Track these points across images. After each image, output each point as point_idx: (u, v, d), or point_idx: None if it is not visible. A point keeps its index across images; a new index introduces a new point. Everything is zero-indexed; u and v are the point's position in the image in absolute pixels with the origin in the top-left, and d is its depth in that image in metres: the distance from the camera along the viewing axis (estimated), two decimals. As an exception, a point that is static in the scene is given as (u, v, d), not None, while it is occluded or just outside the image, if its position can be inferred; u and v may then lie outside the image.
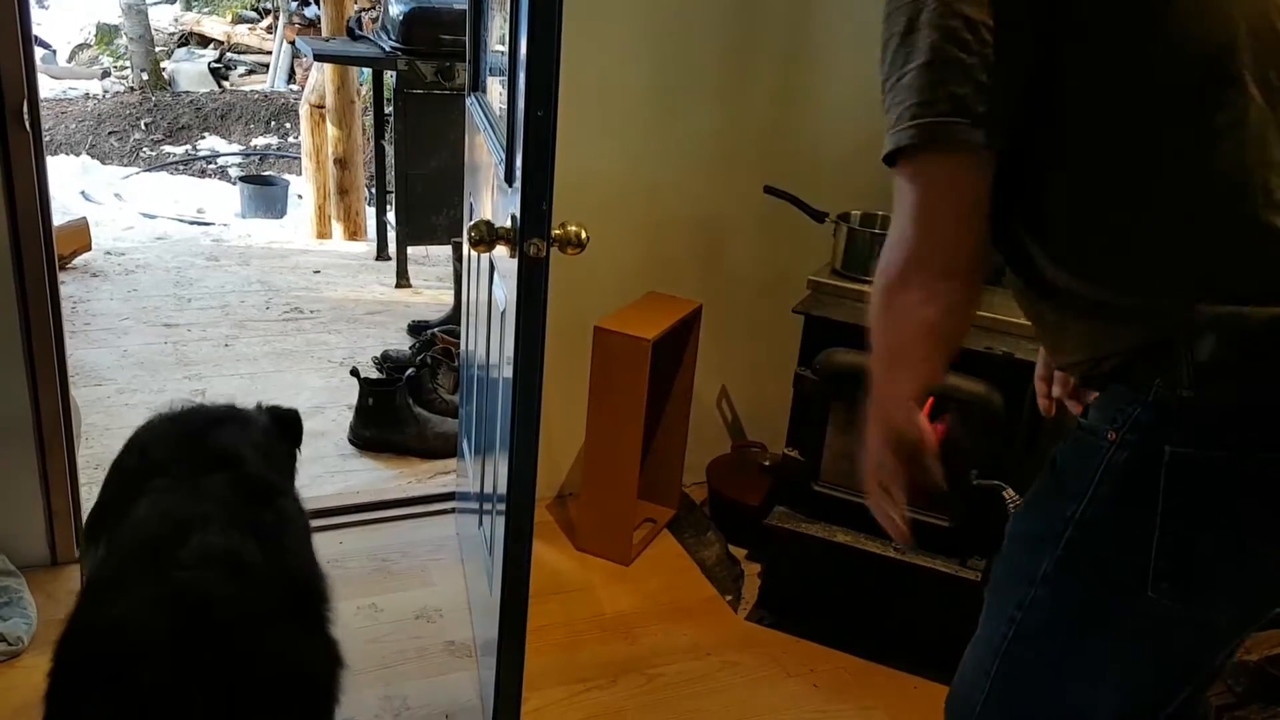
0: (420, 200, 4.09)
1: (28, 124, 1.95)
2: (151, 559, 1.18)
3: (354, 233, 4.78)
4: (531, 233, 1.57)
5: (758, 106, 2.59)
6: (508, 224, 1.65)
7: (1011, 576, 1.15)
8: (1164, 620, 1.05)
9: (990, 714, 1.18)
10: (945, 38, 0.94)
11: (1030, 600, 1.12)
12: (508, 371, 1.73)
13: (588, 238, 1.64)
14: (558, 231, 1.61)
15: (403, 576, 2.40)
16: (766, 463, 2.67)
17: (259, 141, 6.73)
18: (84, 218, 4.19)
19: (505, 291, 1.78)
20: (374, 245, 4.57)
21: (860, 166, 2.42)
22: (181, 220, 4.98)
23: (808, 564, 2.29)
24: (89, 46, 8.57)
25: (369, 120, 4.89)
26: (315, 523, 2.49)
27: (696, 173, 2.60)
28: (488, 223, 1.66)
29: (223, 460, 1.45)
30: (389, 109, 4.19)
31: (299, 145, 5.32)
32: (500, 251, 1.69)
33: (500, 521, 1.86)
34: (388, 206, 4.34)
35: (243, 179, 5.46)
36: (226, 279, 4.08)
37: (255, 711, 1.12)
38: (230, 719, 1.10)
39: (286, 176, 5.59)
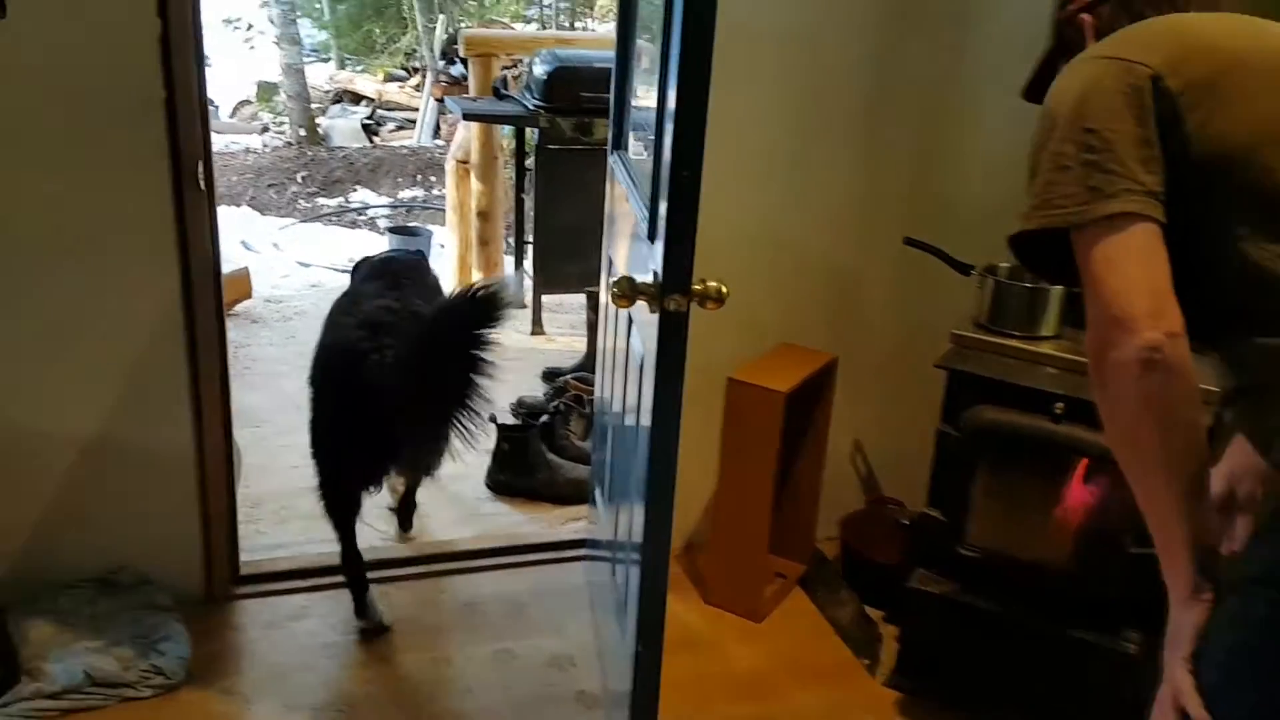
0: (556, 250, 4.18)
1: (202, 184, 2.09)
2: (350, 310, 2.34)
3: (492, 281, 4.92)
4: (673, 289, 1.59)
5: (897, 155, 2.56)
6: (649, 279, 1.67)
7: (1223, 623, 1.10)
8: None
9: None
10: (1077, 147, 1.15)
11: (1240, 645, 1.07)
12: (644, 421, 1.74)
13: (727, 293, 1.65)
14: (698, 287, 1.62)
15: (536, 622, 2.43)
16: (904, 520, 2.59)
17: (406, 194, 7.04)
18: (245, 267, 4.45)
19: (644, 344, 1.80)
20: (511, 293, 4.69)
21: (1007, 217, 2.35)
22: (334, 269, 5.23)
23: (950, 630, 2.20)
24: (250, 103, 9.17)
25: (510, 173, 5.05)
26: (454, 565, 2.60)
27: (833, 223, 2.58)
28: (629, 279, 1.68)
29: (394, 274, 2.56)
30: (529, 162, 4.31)
31: (443, 197, 5.53)
32: (641, 306, 1.72)
33: (635, 572, 1.86)
34: (525, 256, 4.46)
35: (390, 229, 5.70)
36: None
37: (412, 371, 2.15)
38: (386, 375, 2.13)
39: (430, 227, 5.82)
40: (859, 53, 2.45)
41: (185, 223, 2.12)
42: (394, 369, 2.13)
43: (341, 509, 2.29)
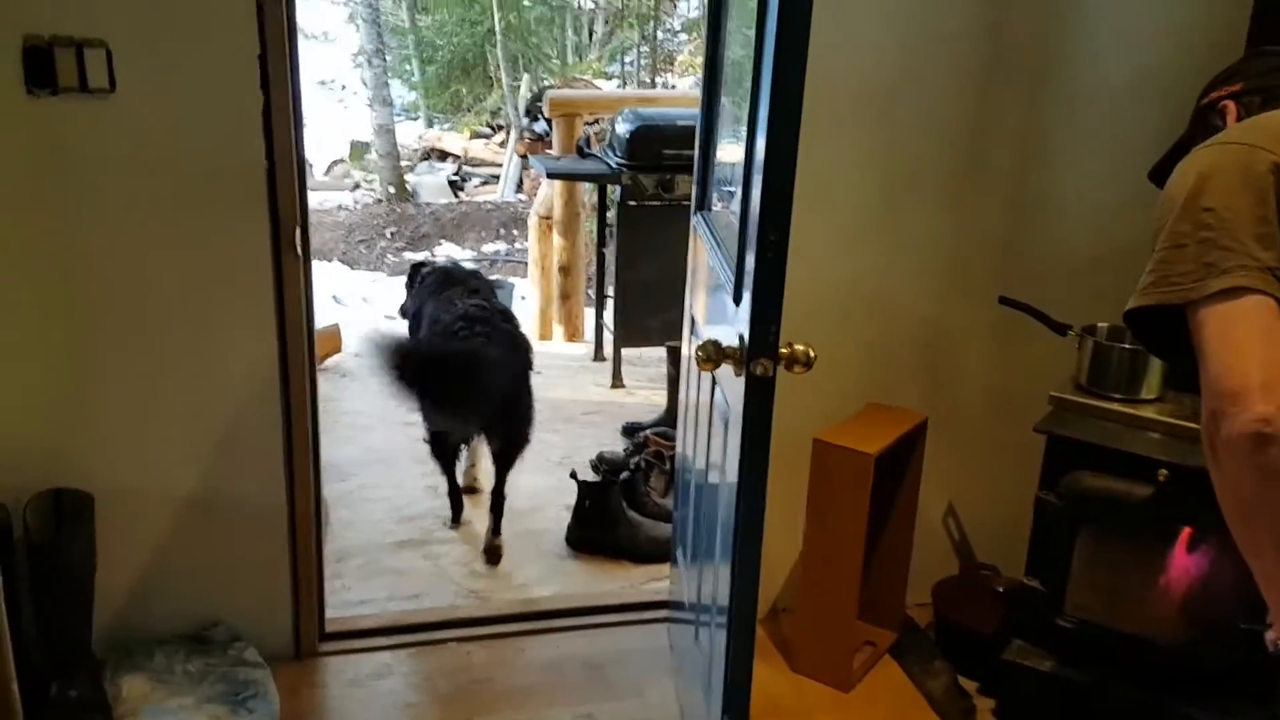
0: (636, 305, 4.21)
1: (299, 250, 2.15)
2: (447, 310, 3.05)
3: (573, 334, 4.97)
4: (759, 353, 1.57)
5: (989, 211, 2.51)
6: (734, 343, 1.65)
7: None
8: None
9: None
10: (1194, 225, 1.17)
11: None
12: (730, 481, 1.71)
13: (815, 357, 1.62)
14: (785, 351, 1.60)
15: (617, 686, 2.39)
16: (1000, 588, 2.49)
17: (489, 248, 7.19)
18: (336, 323, 4.56)
19: (729, 407, 1.78)
20: (591, 346, 4.72)
21: (1104, 275, 2.28)
22: (419, 322, 5.34)
23: (1049, 704, 2.10)
24: (343, 161, 9.51)
25: (591, 226, 5.12)
26: (533, 625, 2.59)
27: (922, 280, 2.53)
28: (715, 342, 1.67)
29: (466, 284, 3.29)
30: (610, 217, 4.37)
31: (525, 250, 5.63)
32: (726, 370, 1.70)
33: (720, 637, 1.82)
34: (605, 310, 4.49)
35: (472, 283, 5.79)
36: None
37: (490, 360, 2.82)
38: (478, 365, 2.78)
39: (512, 280, 5.91)
40: (948, 107, 2.42)
41: (282, 286, 2.18)
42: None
43: (442, 458, 3.14)
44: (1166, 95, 2.43)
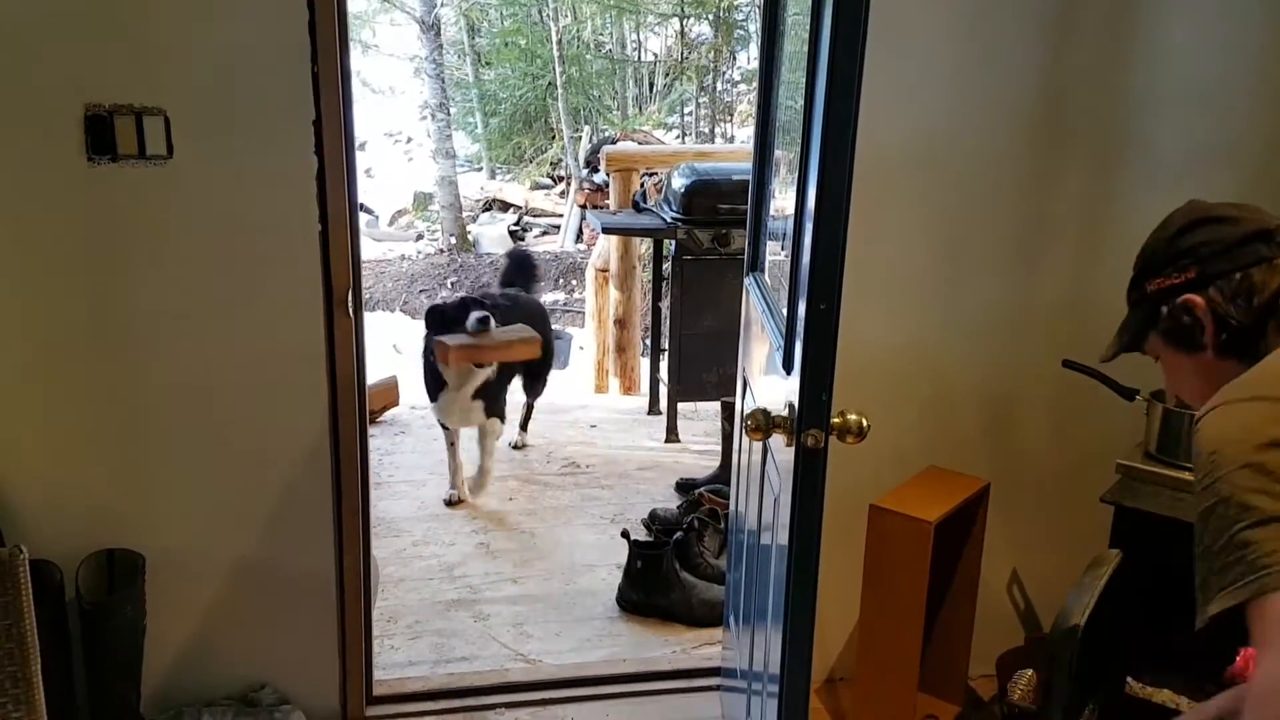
0: (692, 359, 4.18)
1: (350, 311, 2.16)
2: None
3: (629, 388, 4.94)
4: (810, 424, 1.53)
5: (1052, 273, 2.43)
6: (784, 412, 1.61)
7: None
8: None
9: None
10: (1275, 499, 1.03)
11: None
12: (780, 546, 1.66)
13: (869, 426, 1.57)
14: (837, 420, 1.55)
15: (667, 759, 2.32)
16: (1067, 662, 2.38)
17: (548, 298, 7.23)
18: (394, 376, 4.59)
19: (780, 476, 1.73)
20: (647, 400, 4.69)
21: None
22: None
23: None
24: (407, 212, 9.69)
25: (647, 276, 5.12)
26: (584, 691, 2.54)
27: (982, 341, 2.45)
28: (765, 411, 1.62)
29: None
30: (666, 270, 4.36)
31: (583, 300, 5.64)
32: (776, 439, 1.65)
33: (771, 708, 1.76)
34: (660, 364, 4.47)
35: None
36: (513, 433, 4.31)
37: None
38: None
39: (570, 330, 5.93)
40: (1010, 169, 2.36)
41: (334, 345, 2.19)
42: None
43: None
44: (1233, 158, 2.36)
